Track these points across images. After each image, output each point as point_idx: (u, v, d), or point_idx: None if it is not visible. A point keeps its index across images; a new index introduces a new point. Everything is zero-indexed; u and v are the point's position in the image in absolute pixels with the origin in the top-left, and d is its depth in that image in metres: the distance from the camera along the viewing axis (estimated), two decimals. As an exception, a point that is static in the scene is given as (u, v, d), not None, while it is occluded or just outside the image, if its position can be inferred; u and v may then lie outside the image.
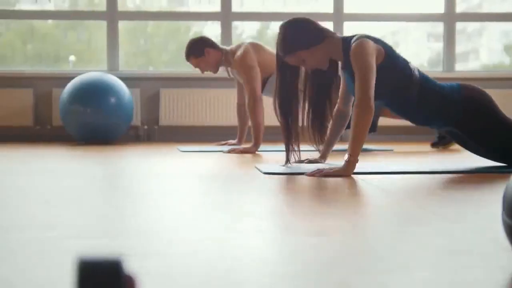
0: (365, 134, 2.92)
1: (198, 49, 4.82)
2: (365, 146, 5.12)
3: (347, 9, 6.49)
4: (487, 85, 6.45)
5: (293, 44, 3.10)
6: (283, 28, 3.16)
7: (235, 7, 6.58)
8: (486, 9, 7.39)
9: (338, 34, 3.18)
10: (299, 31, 3.12)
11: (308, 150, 3.39)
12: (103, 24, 6.45)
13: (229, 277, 1.21)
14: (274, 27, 7.53)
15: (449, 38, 6.58)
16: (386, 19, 6.74)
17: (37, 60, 7.21)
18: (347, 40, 3.10)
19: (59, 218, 1.87)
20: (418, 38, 6.70)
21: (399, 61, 3.09)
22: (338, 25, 6.48)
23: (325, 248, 1.47)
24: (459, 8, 6.77)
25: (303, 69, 3.22)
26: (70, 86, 5.62)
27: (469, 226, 1.75)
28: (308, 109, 3.25)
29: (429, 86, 3.12)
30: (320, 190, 2.51)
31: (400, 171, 3.08)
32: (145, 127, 6.29)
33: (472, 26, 8.38)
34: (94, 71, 5.86)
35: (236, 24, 7.02)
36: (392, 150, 4.90)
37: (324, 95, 3.24)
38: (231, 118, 6.13)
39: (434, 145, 4.91)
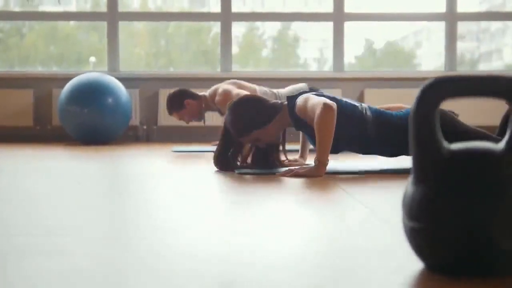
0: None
1: (178, 102, 4.87)
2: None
3: (348, 8, 6.46)
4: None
5: (247, 125, 3.09)
6: (235, 109, 3.12)
7: (257, 7, 6.57)
8: (510, 7, 7.23)
9: (284, 99, 3.14)
10: (252, 112, 3.10)
11: (291, 150, 3.39)
12: (122, 25, 6.52)
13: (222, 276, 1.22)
14: (295, 28, 7.54)
15: (451, 38, 6.52)
16: (387, 18, 6.68)
17: (58, 61, 7.30)
18: (291, 104, 3.09)
19: (45, 218, 1.89)
20: (440, 38, 6.62)
21: (348, 108, 3.05)
22: (339, 25, 6.46)
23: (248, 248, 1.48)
24: (482, 6, 6.63)
25: None
26: (68, 87, 5.66)
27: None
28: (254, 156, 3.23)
29: (385, 120, 3.08)
30: (287, 190, 2.51)
31: (369, 170, 3.11)
32: (144, 127, 6.32)
33: (495, 25, 8.23)
34: (93, 72, 5.90)
35: (257, 24, 7.02)
36: None
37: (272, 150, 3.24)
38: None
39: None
